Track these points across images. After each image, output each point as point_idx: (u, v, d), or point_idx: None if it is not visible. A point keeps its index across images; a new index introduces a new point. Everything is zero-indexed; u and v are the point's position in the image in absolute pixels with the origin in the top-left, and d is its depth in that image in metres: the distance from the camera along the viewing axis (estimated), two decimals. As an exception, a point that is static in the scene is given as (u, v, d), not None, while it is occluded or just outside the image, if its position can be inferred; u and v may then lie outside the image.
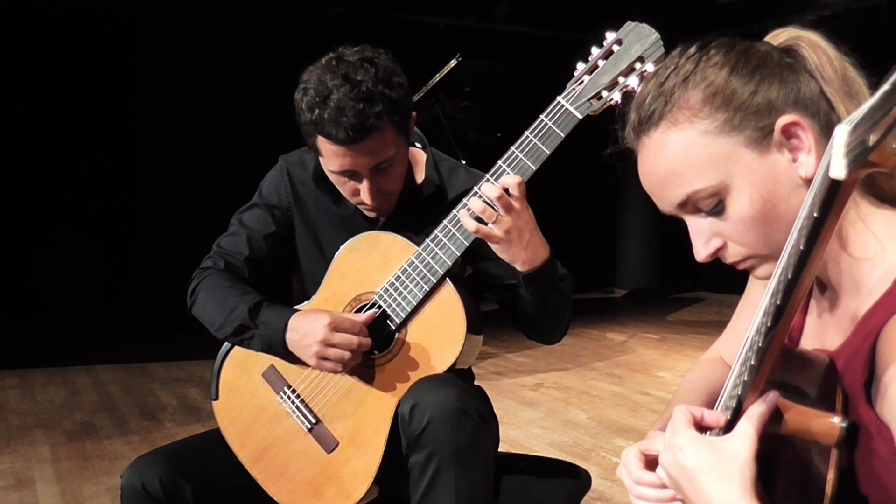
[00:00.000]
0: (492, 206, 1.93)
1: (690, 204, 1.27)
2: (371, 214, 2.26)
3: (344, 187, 2.18)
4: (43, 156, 7.87)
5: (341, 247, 2.22)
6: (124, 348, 6.90)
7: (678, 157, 1.25)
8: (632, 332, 7.82)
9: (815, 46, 1.28)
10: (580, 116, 1.94)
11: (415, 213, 2.25)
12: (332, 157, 2.09)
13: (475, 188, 1.99)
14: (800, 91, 1.24)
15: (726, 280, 6.43)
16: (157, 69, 8.07)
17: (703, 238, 1.29)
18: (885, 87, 0.77)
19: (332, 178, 2.19)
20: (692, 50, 1.30)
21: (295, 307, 2.24)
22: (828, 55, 1.27)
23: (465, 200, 2.02)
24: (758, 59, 1.26)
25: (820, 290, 1.36)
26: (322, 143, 2.09)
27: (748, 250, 1.27)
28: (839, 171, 0.84)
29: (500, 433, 2.25)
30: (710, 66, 1.26)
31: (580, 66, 1.97)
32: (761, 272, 1.29)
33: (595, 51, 1.96)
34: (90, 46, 7.97)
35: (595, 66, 1.95)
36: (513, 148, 1.97)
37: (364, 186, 2.13)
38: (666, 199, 1.29)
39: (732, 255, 1.29)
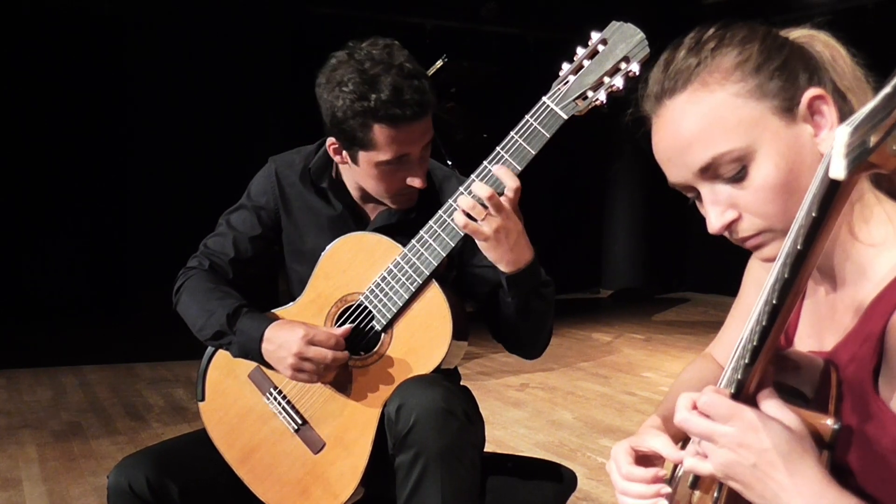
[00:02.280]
0: (482, 203, 1.93)
1: (713, 169, 1.25)
2: (409, 204, 2.24)
3: (393, 178, 2.16)
4: (29, 155, 7.83)
5: (327, 247, 2.22)
6: (111, 348, 6.87)
7: (708, 118, 1.24)
8: (617, 332, 7.83)
9: (827, 44, 1.30)
10: (565, 117, 1.94)
11: (408, 218, 2.25)
12: (389, 144, 2.08)
13: (461, 187, 1.99)
14: (820, 77, 1.26)
15: (712, 280, 6.46)
16: (145, 68, 8.01)
17: (719, 209, 1.27)
18: (887, 89, 0.78)
19: (380, 172, 2.15)
20: (715, 28, 1.31)
21: (279, 308, 2.25)
22: (839, 52, 1.29)
23: (450, 200, 2.02)
24: (782, 40, 1.28)
25: (815, 287, 1.36)
26: (380, 131, 2.06)
27: (764, 223, 1.25)
28: (839, 171, 0.84)
29: (486, 433, 2.26)
30: (738, 38, 1.27)
31: (565, 67, 1.97)
32: (769, 251, 1.28)
33: (580, 51, 1.96)
34: (76, 46, 7.93)
35: (580, 67, 1.95)
36: (498, 148, 1.97)
37: (417, 167, 2.14)
38: (687, 163, 1.27)
39: (746, 228, 1.27)
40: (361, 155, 2.13)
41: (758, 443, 1.11)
